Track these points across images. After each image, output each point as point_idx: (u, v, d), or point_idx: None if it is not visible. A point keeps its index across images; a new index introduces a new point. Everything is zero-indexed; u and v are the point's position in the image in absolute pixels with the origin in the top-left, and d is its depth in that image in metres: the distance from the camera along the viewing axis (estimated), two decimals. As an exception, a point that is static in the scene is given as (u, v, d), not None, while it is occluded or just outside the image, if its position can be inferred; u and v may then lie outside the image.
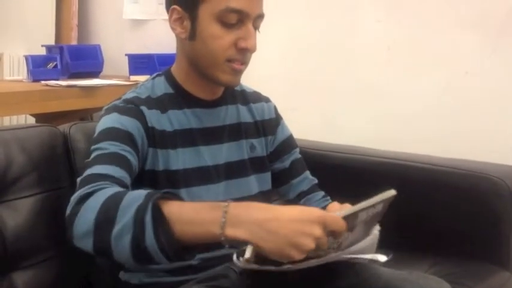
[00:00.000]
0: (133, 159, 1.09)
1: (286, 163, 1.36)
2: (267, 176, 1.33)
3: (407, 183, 1.55)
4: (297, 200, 1.36)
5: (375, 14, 2.05)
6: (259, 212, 0.85)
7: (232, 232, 0.84)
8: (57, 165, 1.32)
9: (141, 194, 0.88)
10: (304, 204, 1.34)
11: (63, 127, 1.38)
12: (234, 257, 0.92)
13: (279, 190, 1.37)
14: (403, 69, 1.99)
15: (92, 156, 1.06)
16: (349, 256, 1.00)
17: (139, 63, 2.76)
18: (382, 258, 1.01)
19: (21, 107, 2.34)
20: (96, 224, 0.88)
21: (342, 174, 1.68)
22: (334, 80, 2.17)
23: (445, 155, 1.60)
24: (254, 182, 1.29)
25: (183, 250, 0.87)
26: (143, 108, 1.16)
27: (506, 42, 1.77)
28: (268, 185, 1.33)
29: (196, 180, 1.19)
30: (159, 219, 0.85)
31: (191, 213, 0.87)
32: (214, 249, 1.16)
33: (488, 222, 1.39)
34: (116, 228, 0.85)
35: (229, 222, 0.84)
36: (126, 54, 2.82)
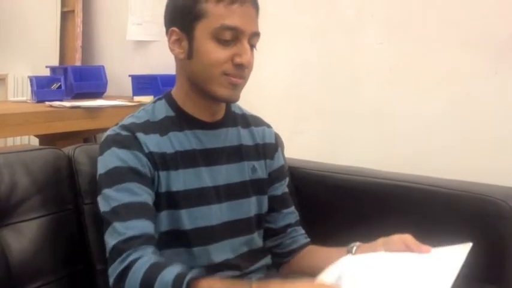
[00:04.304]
0: (144, 192, 1.14)
1: (278, 191, 1.38)
2: (265, 198, 1.34)
3: (410, 205, 1.55)
4: (284, 230, 1.37)
5: (376, 36, 2.06)
6: None
7: None
8: (61, 187, 1.32)
9: (169, 282, 1.00)
10: (290, 235, 1.37)
11: (68, 149, 1.37)
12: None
13: (267, 217, 1.36)
14: (405, 90, 2.00)
15: (107, 207, 1.13)
16: None
17: (142, 84, 2.78)
18: None
19: (25, 128, 2.35)
20: None
21: (345, 195, 1.68)
22: (337, 102, 2.18)
23: (447, 176, 1.60)
24: (254, 204, 1.30)
25: None
26: (139, 135, 1.17)
27: (507, 65, 1.77)
28: (265, 208, 1.34)
29: (196, 201, 1.20)
30: None
31: None
32: None
33: (492, 245, 1.38)
34: None
35: None
36: (129, 75, 2.84)
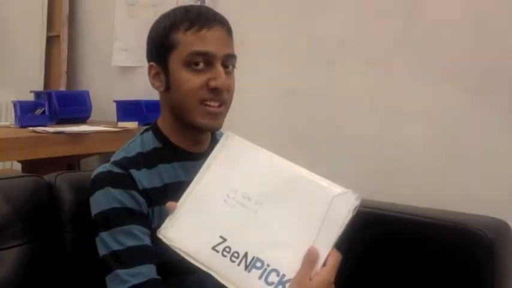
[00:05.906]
0: (143, 234, 1.13)
1: None
2: None
3: (387, 234, 1.55)
4: None
5: (356, 66, 2.10)
6: None
7: None
8: (42, 215, 1.32)
9: None
10: None
11: (49, 177, 1.37)
12: None
13: None
14: (386, 120, 2.03)
15: (106, 251, 1.11)
16: None
17: (127, 109, 2.78)
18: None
19: (8, 154, 2.32)
20: None
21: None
22: (318, 130, 2.20)
23: (425, 205, 1.61)
24: None
25: None
26: (132, 171, 1.17)
27: (484, 97, 1.81)
28: None
29: None
30: None
31: None
32: None
33: (470, 274, 1.39)
34: None
35: None
36: (114, 101, 2.84)
